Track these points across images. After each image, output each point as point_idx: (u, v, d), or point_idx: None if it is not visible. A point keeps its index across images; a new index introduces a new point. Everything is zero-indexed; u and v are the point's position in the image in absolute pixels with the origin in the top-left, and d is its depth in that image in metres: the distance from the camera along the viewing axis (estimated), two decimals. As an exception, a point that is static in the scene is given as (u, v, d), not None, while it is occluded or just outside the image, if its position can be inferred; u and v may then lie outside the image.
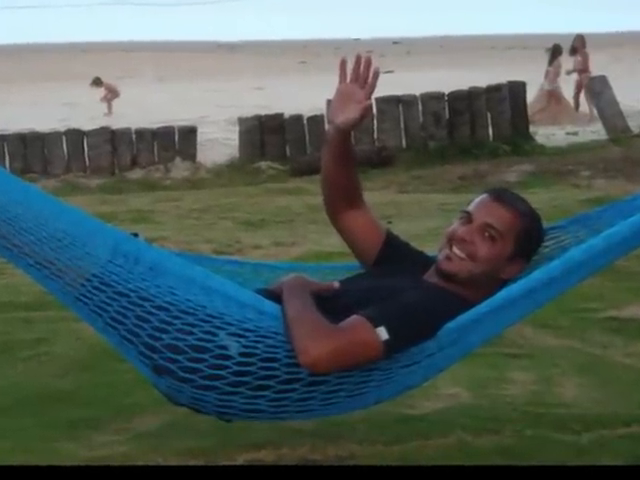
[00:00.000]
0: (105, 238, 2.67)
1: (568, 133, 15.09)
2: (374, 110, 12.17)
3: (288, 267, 3.23)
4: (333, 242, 5.42)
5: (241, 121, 13.26)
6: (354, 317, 2.61)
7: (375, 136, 12.72)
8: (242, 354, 2.62)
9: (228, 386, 2.64)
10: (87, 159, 12.89)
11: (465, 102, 12.79)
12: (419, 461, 3.03)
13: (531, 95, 15.09)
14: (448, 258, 2.81)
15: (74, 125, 14.61)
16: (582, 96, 17.11)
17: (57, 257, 2.65)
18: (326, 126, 10.33)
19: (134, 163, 12.87)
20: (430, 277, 2.86)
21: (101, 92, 22.28)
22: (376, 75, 2.84)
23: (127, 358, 2.76)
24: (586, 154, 11.66)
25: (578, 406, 3.57)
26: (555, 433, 3.25)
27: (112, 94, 22.04)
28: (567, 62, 17.71)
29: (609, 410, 3.49)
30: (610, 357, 4.18)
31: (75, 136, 12.97)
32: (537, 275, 2.70)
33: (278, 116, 13.14)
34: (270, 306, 2.67)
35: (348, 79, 2.87)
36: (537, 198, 6.65)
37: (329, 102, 3.02)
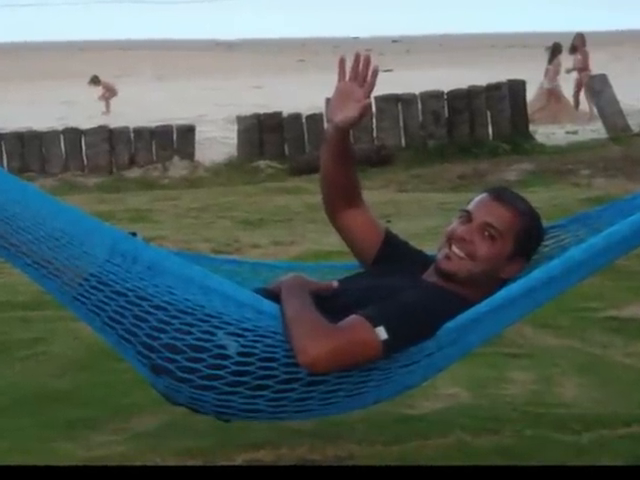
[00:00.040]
0: (103, 237, 2.66)
1: (568, 132, 15.08)
2: (373, 109, 12.16)
3: (287, 266, 3.23)
4: (332, 241, 5.41)
5: (239, 120, 13.25)
6: (353, 317, 2.60)
7: (374, 135, 12.71)
8: (241, 354, 2.62)
9: (227, 386, 2.64)
10: (85, 158, 12.88)
11: (464, 101, 12.78)
12: (418, 461, 3.03)
13: (531, 94, 15.09)
14: (447, 257, 2.80)
15: (72, 124, 14.60)
16: (582, 95, 17.09)
17: (55, 256, 2.65)
18: (325, 125, 10.34)
19: (132, 162, 12.86)
20: (429, 276, 2.85)
21: (99, 91, 22.27)
22: (375, 74, 2.83)
23: (125, 358, 2.75)
24: (586, 153, 11.66)
25: (578, 406, 3.56)
26: (555, 433, 3.25)
27: (110, 93, 22.03)
28: (567, 60, 17.70)
29: (609, 410, 3.49)
30: (610, 357, 4.17)
31: (73, 135, 12.96)
32: (537, 274, 2.69)
33: (277, 115, 13.13)
34: (269, 305, 2.66)
35: (347, 77, 2.86)
36: (537, 197, 6.64)
37: (328, 101, 3.02)
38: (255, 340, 2.61)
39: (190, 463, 3.03)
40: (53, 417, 3.51)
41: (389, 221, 6.86)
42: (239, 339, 2.62)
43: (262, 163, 12.62)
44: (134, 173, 12.65)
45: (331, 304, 2.70)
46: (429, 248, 3.05)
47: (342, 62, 2.87)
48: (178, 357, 2.62)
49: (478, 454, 3.08)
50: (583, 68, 17.22)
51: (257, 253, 6.55)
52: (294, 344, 2.56)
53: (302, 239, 7.08)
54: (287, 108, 14.07)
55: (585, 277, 2.85)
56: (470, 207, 2.83)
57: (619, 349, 4.27)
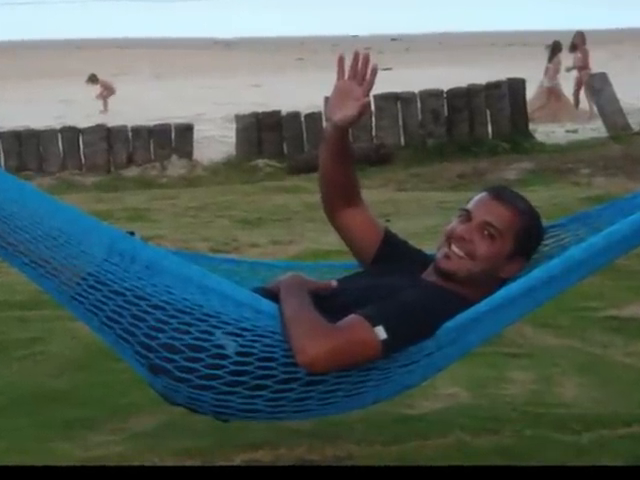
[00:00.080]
0: (101, 236, 2.65)
1: (568, 131, 15.08)
2: (372, 107, 12.15)
3: (285, 266, 3.23)
4: (331, 240, 5.40)
5: (238, 118, 13.24)
6: (352, 316, 2.60)
7: (373, 133, 12.71)
8: (239, 353, 2.61)
9: (225, 386, 2.63)
10: (83, 157, 12.87)
11: (464, 99, 12.78)
12: (418, 461, 3.02)
13: (531, 92, 15.08)
14: (447, 257, 2.79)
15: (70, 122, 14.60)
16: (582, 93, 17.08)
17: (52, 256, 2.64)
18: (324, 123, 10.32)
19: (130, 161, 12.86)
20: (429, 276, 2.85)
21: (97, 89, 22.25)
22: (374, 72, 2.82)
23: (123, 357, 2.74)
24: (586, 152, 11.65)
25: (578, 406, 3.56)
26: (555, 433, 3.24)
27: (108, 91, 22.01)
28: (567, 59, 17.70)
29: (609, 410, 3.48)
30: (610, 356, 4.17)
31: (71, 134, 12.95)
32: (537, 274, 2.69)
33: (275, 113, 13.12)
34: (267, 305, 2.65)
35: (346, 76, 2.86)
36: (537, 196, 6.62)
37: (327, 99, 3.02)
38: (254, 340, 2.61)
39: (188, 463, 3.03)
40: (51, 417, 3.50)
41: (388, 220, 6.85)
42: (237, 339, 2.61)
43: (261, 162, 12.61)
44: (132, 172, 12.64)
45: (330, 303, 2.69)
46: (428, 247, 3.04)
47: (341, 60, 2.86)
48: (176, 357, 2.62)
49: (478, 454, 3.07)
50: (583, 66, 17.21)
51: (256, 252, 6.55)
52: (293, 344, 2.56)
53: (301, 238, 7.07)
54: (286, 107, 14.06)
55: (585, 276, 2.85)
56: (469, 206, 2.82)
57: (619, 349, 4.26)
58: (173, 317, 2.62)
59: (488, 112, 12.85)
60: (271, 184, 10.96)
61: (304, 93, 20.24)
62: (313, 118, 12.78)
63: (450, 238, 2.80)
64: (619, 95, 14.00)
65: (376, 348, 2.58)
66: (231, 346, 2.61)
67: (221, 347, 2.61)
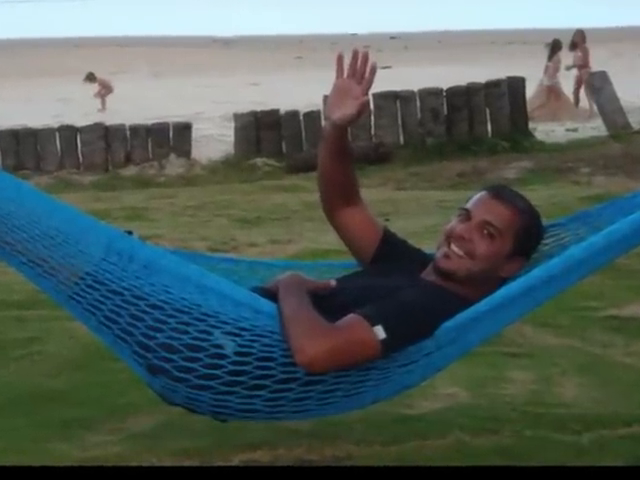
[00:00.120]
0: (99, 236, 2.65)
1: (568, 129, 15.07)
2: (371, 106, 12.14)
3: (284, 265, 3.22)
4: (330, 240, 5.38)
5: (236, 117, 13.22)
6: (351, 316, 2.59)
7: (372, 132, 12.69)
8: (238, 353, 2.60)
9: (223, 386, 2.63)
10: (80, 156, 12.84)
11: (463, 98, 12.76)
12: (417, 462, 3.02)
13: (530, 91, 15.06)
14: (446, 256, 2.78)
15: (67, 121, 14.58)
16: (582, 92, 17.07)
17: (50, 255, 2.64)
18: (323, 122, 10.30)
19: (128, 160, 12.84)
20: (428, 275, 2.84)
21: (95, 88, 22.23)
22: (373, 70, 2.82)
23: (121, 357, 2.74)
24: (586, 151, 11.64)
25: (578, 406, 3.55)
26: (555, 433, 3.24)
27: (106, 90, 21.99)
28: (567, 57, 17.68)
29: (609, 410, 3.48)
30: (610, 356, 4.16)
31: (68, 132, 12.93)
32: (537, 273, 2.68)
33: (274, 112, 13.11)
34: (266, 305, 2.65)
35: (345, 74, 2.85)
36: (536, 195, 6.61)
37: (326, 98, 3.02)
38: (252, 339, 2.61)
39: (187, 463, 3.02)
40: (48, 417, 3.49)
41: (387, 219, 6.84)
42: (236, 338, 2.61)
43: (259, 161, 12.60)
44: (130, 171, 12.62)
45: (329, 303, 2.68)
46: (428, 246, 3.03)
47: (340, 59, 2.85)
48: (174, 356, 2.61)
49: (477, 454, 3.07)
50: (583, 65, 17.20)
51: (254, 252, 6.54)
52: (291, 343, 2.55)
53: (299, 237, 7.07)
54: (284, 105, 14.05)
55: (585, 276, 2.84)
56: (469, 205, 2.82)
57: (619, 348, 4.26)
58: (171, 317, 2.62)
59: (488, 111, 12.84)
60: (270, 183, 10.95)
61: (303, 92, 20.23)
62: (312, 117, 12.77)
63: (449, 237, 2.79)
64: (619, 94, 14.00)
65: (375, 348, 2.57)
66: (230, 346, 2.61)
67: (220, 347, 2.60)
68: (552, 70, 17.30)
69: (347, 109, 2.80)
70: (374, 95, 12.14)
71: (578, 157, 11.03)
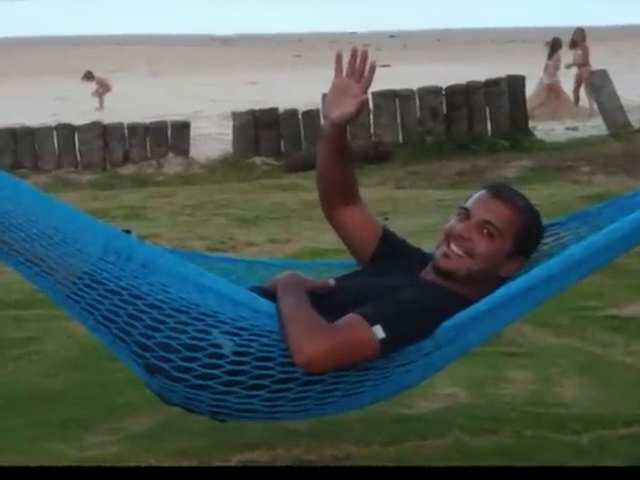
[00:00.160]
0: (96, 235, 2.64)
1: (568, 128, 15.06)
2: (370, 105, 12.13)
3: (283, 264, 3.22)
4: (328, 239, 5.38)
5: (235, 116, 13.21)
6: (350, 315, 2.58)
7: (371, 131, 12.68)
8: (236, 353, 2.60)
9: (222, 385, 2.62)
10: (78, 154, 12.83)
11: (463, 96, 12.75)
12: (416, 462, 3.02)
13: (530, 89, 15.05)
14: (446, 255, 2.78)
15: (65, 120, 14.55)
16: (582, 90, 17.06)
17: (48, 254, 2.63)
18: (321, 121, 10.29)
19: (126, 158, 12.82)
20: (427, 274, 2.83)
21: (92, 86, 22.22)
22: (372, 69, 2.81)
23: (119, 357, 2.73)
24: (586, 149, 11.63)
25: (578, 406, 3.55)
26: (555, 433, 3.24)
27: (104, 88, 21.97)
28: (567, 56, 17.67)
29: (609, 410, 3.47)
30: (610, 356, 4.16)
31: (66, 131, 12.91)
32: (536, 272, 2.68)
33: (272, 111, 13.09)
34: (265, 304, 2.64)
35: (344, 73, 2.84)
36: (536, 194, 6.61)
37: (325, 97, 3.02)
38: (251, 339, 2.60)
39: (185, 464, 3.02)
40: (46, 417, 3.49)
41: (386, 218, 6.84)
42: (234, 338, 2.60)
43: (258, 160, 12.59)
44: (128, 170, 12.61)
45: (328, 303, 2.67)
46: (427, 246, 3.02)
47: (339, 57, 2.85)
48: (173, 356, 2.61)
49: (477, 454, 3.07)
50: (583, 63, 17.19)
51: (253, 251, 6.54)
52: (290, 343, 2.54)
53: (298, 237, 7.06)
54: (283, 104, 14.05)
55: (585, 275, 2.84)
56: (468, 204, 2.81)
57: (619, 348, 4.25)
58: (169, 316, 2.61)
59: (487, 109, 12.82)
60: (268, 182, 10.94)
61: (301, 90, 20.23)
62: (311, 115, 12.75)
63: (449, 237, 2.78)
64: (619, 92, 13.99)
65: (374, 347, 2.56)
66: (228, 345, 2.60)
67: (218, 346, 2.60)
68: (552, 69, 17.29)
69: (346, 108, 2.79)
70: (373, 94, 12.13)
71: (578, 156, 11.02)
